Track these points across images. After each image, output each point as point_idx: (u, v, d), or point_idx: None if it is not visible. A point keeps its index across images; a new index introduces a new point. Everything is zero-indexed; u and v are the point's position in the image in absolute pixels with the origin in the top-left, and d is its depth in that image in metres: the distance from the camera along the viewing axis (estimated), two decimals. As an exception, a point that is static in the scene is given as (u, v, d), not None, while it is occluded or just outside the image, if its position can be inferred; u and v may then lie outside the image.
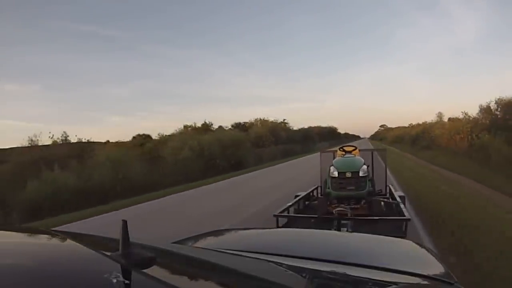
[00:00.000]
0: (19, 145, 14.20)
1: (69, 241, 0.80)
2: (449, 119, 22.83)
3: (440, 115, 28.45)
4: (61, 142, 14.30)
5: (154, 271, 0.58)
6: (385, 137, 65.98)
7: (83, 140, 15.57)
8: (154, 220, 6.60)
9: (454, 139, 17.33)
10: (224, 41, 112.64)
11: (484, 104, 15.96)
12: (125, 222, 0.59)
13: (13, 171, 11.27)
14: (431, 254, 1.21)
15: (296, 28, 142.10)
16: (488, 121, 15.04)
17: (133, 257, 0.56)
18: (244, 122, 29.95)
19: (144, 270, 0.55)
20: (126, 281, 0.47)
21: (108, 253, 0.58)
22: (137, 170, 12.13)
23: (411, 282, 0.89)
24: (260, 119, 29.63)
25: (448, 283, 0.90)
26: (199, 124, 23.58)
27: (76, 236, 0.87)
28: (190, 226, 5.42)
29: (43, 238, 0.82)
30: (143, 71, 76.99)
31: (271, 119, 30.47)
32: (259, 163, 18.31)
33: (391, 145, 37.57)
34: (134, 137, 24.25)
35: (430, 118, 31.66)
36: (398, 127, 60.26)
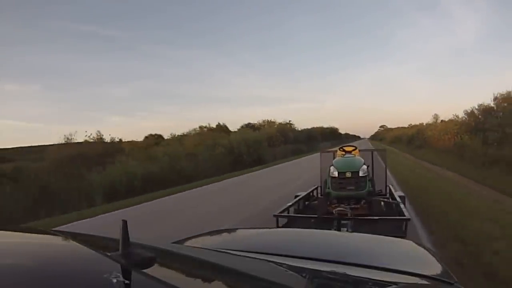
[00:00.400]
0: (51, 143, 16.07)
1: (69, 241, 0.80)
2: (441, 121, 25.92)
3: (436, 117, 29.99)
4: (94, 141, 16.19)
5: (154, 271, 0.57)
6: (384, 137, 67.87)
7: (115, 140, 17.90)
8: (214, 196, 9.12)
9: (443, 139, 20.00)
10: (224, 41, 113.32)
11: (468, 109, 18.75)
12: (125, 222, 0.58)
13: (70, 164, 12.87)
14: (431, 254, 1.21)
15: (297, 29, 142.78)
16: (472, 124, 17.51)
17: (133, 257, 0.56)
18: (253, 124, 32.73)
19: (144, 270, 0.55)
20: (126, 281, 0.47)
21: (108, 253, 0.58)
22: (183, 163, 15.02)
23: (411, 282, 0.89)
24: (268, 121, 32.50)
25: (448, 283, 0.90)
26: (213, 125, 26.41)
27: (76, 236, 0.86)
28: (240, 199, 8.13)
29: (43, 238, 0.81)
30: (143, 71, 77.32)
31: (279, 120, 33.40)
32: (274, 160, 21.27)
33: (389, 145, 39.77)
34: (146, 137, 25.47)
35: (428, 119, 33.72)
36: (398, 127, 62.77)
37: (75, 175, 11.18)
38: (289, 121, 36.07)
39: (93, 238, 0.92)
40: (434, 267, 1.07)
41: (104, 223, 6.22)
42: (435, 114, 32.31)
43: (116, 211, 7.37)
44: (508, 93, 16.42)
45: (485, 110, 17.28)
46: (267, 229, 1.94)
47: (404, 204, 4.44)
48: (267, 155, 21.59)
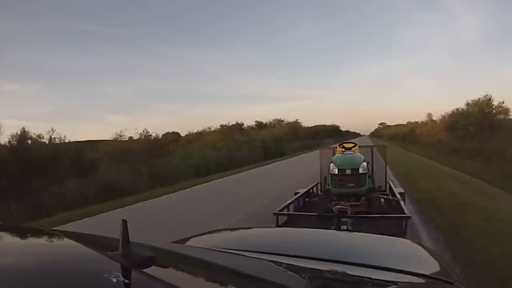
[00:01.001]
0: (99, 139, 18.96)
1: (68, 241, 0.80)
2: (432, 120, 32.65)
3: (429, 115, 35.25)
4: (142, 137, 18.84)
5: (154, 271, 0.57)
6: (383, 134, 73.14)
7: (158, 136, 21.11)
8: (265, 173, 13.35)
9: (429, 136, 26.87)
10: (224, 41, 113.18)
11: (449, 111, 25.37)
12: (125, 222, 0.58)
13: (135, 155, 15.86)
14: (431, 253, 1.21)
15: (297, 29, 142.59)
16: (450, 124, 23.90)
17: (133, 257, 0.56)
18: (265, 122, 37.41)
19: (144, 270, 0.55)
20: (126, 281, 0.47)
21: (108, 253, 0.57)
22: (233, 154, 19.66)
23: (410, 281, 0.89)
24: (278, 120, 37.95)
25: (447, 282, 0.90)
26: (231, 123, 30.44)
27: (76, 236, 0.87)
28: (281, 177, 11.14)
29: (43, 238, 0.82)
30: (143, 70, 77.19)
31: (289, 119, 39.06)
32: (292, 153, 25.70)
33: (387, 141, 43.56)
34: (164, 135, 27.96)
35: (424, 116, 39.57)
36: (396, 124, 68.16)
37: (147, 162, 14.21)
38: (297, 119, 41.35)
39: (93, 237, 0.92)
40: (433, 266, 1.07)
41: (203, 190, 9.88)
42: (428, 113, 37.30)
43: (207, 183, 11.43)
44: (478, 100, 22.49)
45: (459, 113, 23.51)
46: (267, 229, 1.95)
47: (404, 201, 4.44)
48: (287, 149, 26.43)
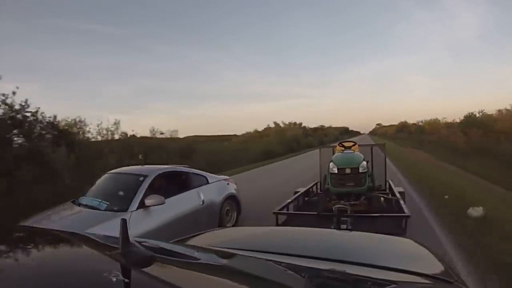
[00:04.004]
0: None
1: (69, 240, 0.80)
2: (415, 122, 43.08)
3: (411, 120, 46.40)
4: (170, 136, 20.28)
5: (154, 269, 0.57)
6: (378, 133, 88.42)
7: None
8: (300, 159, 17.25)
9: (416, 133, 33.93)
10: (224, 40, 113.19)
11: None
12: (124, 221, 0.58)
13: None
14: (431, 252, 1.20)
15: (297, 28, 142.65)
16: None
17: (132, 256, 0.55)
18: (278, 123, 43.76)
19: (144, 269, 0.55)
20: (126, 280, 0.47)
21: (108, 252, 0.57)
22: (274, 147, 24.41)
23: (410, 280, 0.88)
24: (293, 123, 43.45)
25: (447, 282, 0.89)
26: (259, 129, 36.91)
27: (76, 235, 0.87)
28: (307, 160, 14.05)
29: (43, 238, 0.82)
30: (142, 69, 76.99)
31: (297, 121, 43.98)
32: (305, 148, 29.80)
33: (380, 137, 51.31)
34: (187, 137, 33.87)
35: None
36: (390, 125, 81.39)
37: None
38: (300, 123, 47.63)
39: (93, 237, 0.91)
40: (433, 266, 1.07)
41: (267, 168, 13.65)
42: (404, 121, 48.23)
43: (269, 164, 15.43)
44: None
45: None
46: (267, 228, 1.95)
47: (404, 200, 4.42)
48: (302, 145, 32.63)
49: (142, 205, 3.24)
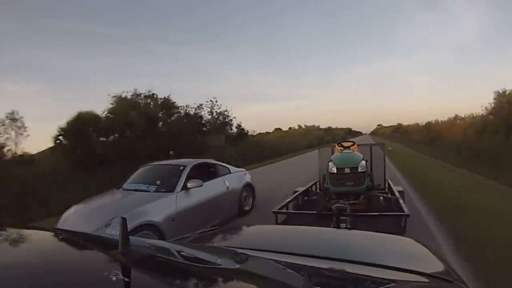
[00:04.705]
0: None
1: (69, 240, 0.80)
2: (411, 124, 48.40)
3: (409, 121, 55.08)
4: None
5: (153, 269, 0.57)
6: (378, 133, 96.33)
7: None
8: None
9: (411, 134, 38.45)
10: (226, 41, 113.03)
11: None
12: (124, 220, 0.58)
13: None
14: (431, 251, 1.20)
15: (298, 28, 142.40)
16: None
17: (132, 255, 0.55)
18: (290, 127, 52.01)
19: (143, 268, 0.55)
20: (126, 279, 0.47)
21: (108, 251, 0.57)
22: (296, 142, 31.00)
23: (410, 279, 0.89)
24: (311, 125, 52.31)
25: (447, 280, 0.90)
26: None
27: (76, 235, 0.87)
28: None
29: (43, 237, 0.81)
30: (143, 69, 76.71)
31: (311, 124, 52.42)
32: (325, 143, 35.40)
33: (380, 137, 57.64)
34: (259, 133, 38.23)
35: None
36: (390, 126, 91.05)
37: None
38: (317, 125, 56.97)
39: (93, 236, 0.91)
40: (434, 265, 1.07)
41: (287, 162, 16.60)
42: (399, 123, 56.98)
43: (286, 159, 18.34)
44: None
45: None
46: (267, 226, 1.94)
47: (403, 199, 4.42)
48: (325, 141, 38.74)
49: (185, 187, 4.09)
